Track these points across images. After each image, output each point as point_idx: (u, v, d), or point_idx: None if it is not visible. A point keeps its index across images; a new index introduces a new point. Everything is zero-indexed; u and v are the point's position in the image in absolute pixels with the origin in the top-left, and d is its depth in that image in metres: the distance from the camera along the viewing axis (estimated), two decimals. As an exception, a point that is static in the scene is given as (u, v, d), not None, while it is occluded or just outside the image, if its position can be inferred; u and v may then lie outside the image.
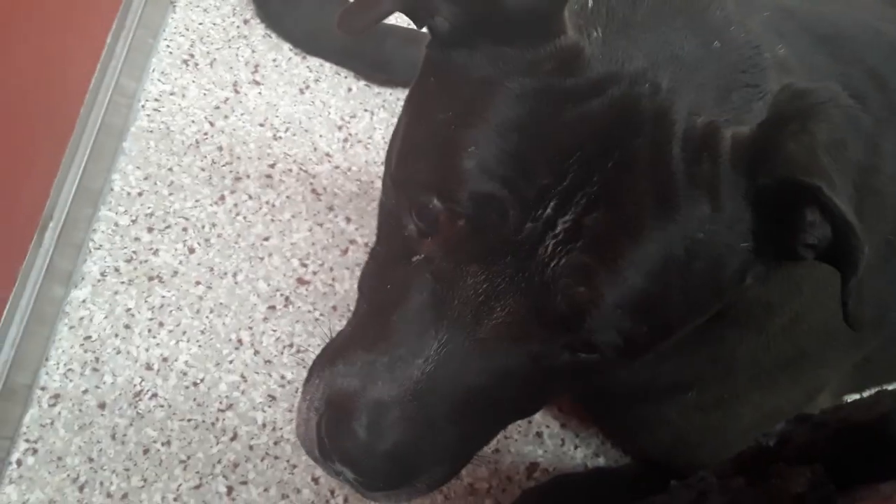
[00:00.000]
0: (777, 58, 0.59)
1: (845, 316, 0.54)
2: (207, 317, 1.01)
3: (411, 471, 0.60)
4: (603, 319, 0.53)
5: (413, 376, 0.56)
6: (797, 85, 0.56)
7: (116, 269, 1.02)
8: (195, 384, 0.97)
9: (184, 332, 1.00)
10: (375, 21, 0.58)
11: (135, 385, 0.95)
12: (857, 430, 0.48)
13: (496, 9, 0.54)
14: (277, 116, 1.19)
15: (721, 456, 0.62)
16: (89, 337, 0.98)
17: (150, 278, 1.02)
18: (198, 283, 1.03)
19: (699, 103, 0.54)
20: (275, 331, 1.02)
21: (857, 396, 0.97)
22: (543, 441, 1.00)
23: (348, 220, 1.12)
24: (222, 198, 1.10)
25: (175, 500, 0.90)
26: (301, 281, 1.06)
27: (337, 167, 1.16)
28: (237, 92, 1.20)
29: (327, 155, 1.17)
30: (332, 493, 0.93)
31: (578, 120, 0.52)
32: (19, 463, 0.89)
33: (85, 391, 0.94)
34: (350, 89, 1.24)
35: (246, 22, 1.27)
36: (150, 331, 0.99)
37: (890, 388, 0.92)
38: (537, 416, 1.01)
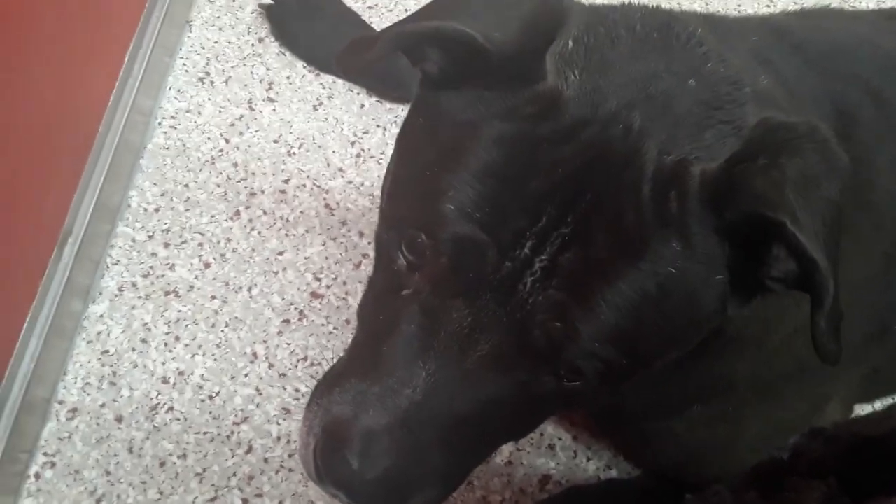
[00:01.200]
0: (758, 91, 0.59)
1: (816, 349, 0.54)
2: (223, 331, 1.02)
3: (403, 494, 0.61)
4: (579, 351, 0.55)
5: (402, 405, 0.58)
6: (774, 118, 0.56)
7: (133, 284, 1.04)
8: (211, 397, 0.98)
9: (199, 346, 1.01)
10: (370, 63, 0.61)
11: (151, 399, 0.96)
12: (870, 444, 0.49)
13: (481, 56, 0.56)
14: (291, 133, 1.20)
15: (731, 469, 0.62)
16: (107, 351, 0.99)
17: (167, 293, 1.04)
18: (213, 297, 1.04)
19: (671, 142, 0.55)
20: (289, 344, 1.03)
21: (868, 406, 0.97)
22: (556, 453, 1.01)
23: (361, 234, 1.13)
24: (237, 213, 1.11)
25: (191, 512, 0.91)
26: (315, 295, 1.07)
27: (350, 182, 1.17)
28: (252, 109, 1.21)
29: (340, 170, 1.18)
30: (347, 505, 0.93)
31: (554, 164, 0.54)
32: (37, 476, 0.90)
33: (102, 405, 0.95)
34: (363, 105, 1.26)
35: (261, 40, 1.28)
36: (166, 345, 1.00)
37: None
38: (549, 429, 1.02)
